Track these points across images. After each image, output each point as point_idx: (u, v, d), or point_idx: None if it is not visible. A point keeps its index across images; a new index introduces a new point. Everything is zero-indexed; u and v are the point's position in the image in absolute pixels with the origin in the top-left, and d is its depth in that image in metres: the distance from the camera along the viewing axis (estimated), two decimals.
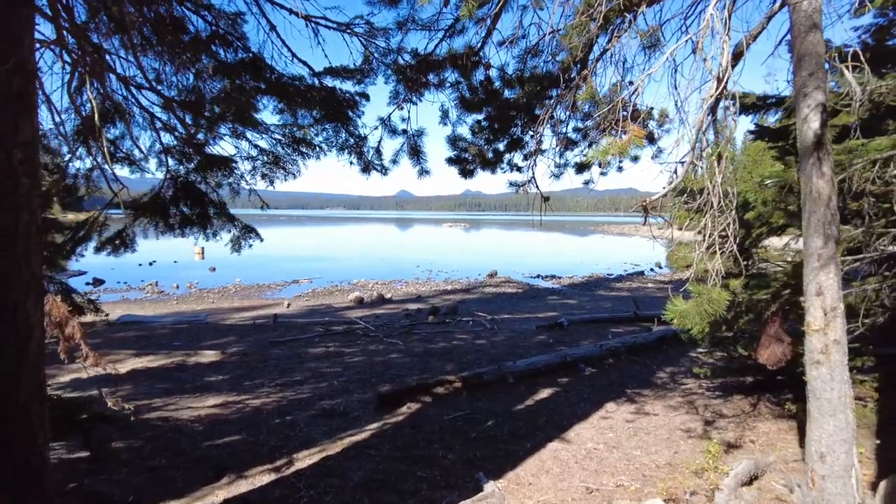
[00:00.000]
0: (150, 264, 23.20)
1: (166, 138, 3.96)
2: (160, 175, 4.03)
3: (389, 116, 4.24)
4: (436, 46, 3.68)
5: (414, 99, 4.04)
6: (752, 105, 4.59)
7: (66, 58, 2.71)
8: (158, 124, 3.85)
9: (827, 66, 2.64)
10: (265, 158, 3.98)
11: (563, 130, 4.21)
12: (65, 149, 3.23)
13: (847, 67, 2.61)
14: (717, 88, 2.45)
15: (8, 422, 1.87)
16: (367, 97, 4.16)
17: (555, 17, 3.04)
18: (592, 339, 8.33)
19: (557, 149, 4.30)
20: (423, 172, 4.41)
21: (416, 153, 4.31)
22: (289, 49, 3.68)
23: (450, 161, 4.58)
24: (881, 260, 4.17)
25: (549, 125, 4.02)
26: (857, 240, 4.11)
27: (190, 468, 3.89)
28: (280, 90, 4.10)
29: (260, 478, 3.74)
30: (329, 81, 3.84)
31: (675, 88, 2.83)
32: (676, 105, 2.83)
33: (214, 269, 21.73)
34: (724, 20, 2.28)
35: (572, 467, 3.89)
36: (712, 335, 4.89)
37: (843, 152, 3.66)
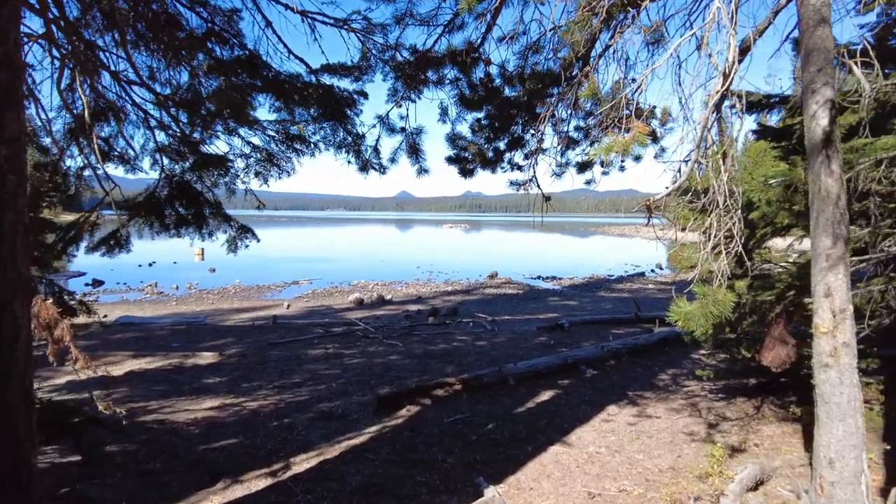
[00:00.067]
0: (150, 265, 23.14)
1: (161, 137, 3.90)
2: (154, 174, 3.97)
3: (388, 114, 4.18)
4: (435, 42, 3.63)
5: (413, 96, 3.98)
6: (756, 104, 4.53)
7: (56, 53, 2.65)
8: (153, 122, 3.79)
9: (835, 62, 2.58)
10: (259, 156, 3.92)
11: (565, 129, 4.15)
12: (54, 147, 3.17)
13: (856, 63, 2.54)
14: (723, 84, 2.38)
15: None
16: (365, 95, 4.10)
17: (556, 12, 2.99)
18: (593, 341, 8.26)
19: (559, 148, 4.24)
20: (422, 171, 4.34)
21: (414, 152, 4.24)
22: (285, 46, 3.63)
23: (449, 160, 4.51)
24: (887, 261, 4.11)
25: (550, 124, 3.96)
26: (863, 240, 4.05)
27: (185, 472, 3.83)
28: (277, 88, 4.04)
29: (256, 482, 3.68)
30: (326, 79, 3.78)
31: (680, 85, 2.77)
32: (681, 102, 2.78)
33: (214, 270, 21.67)
34: (731, 14, 2.22)
35: (574, 471, 3.82)
36: (715, 337, 4.83)
37: (849, 151, 3.60)
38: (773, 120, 5.19)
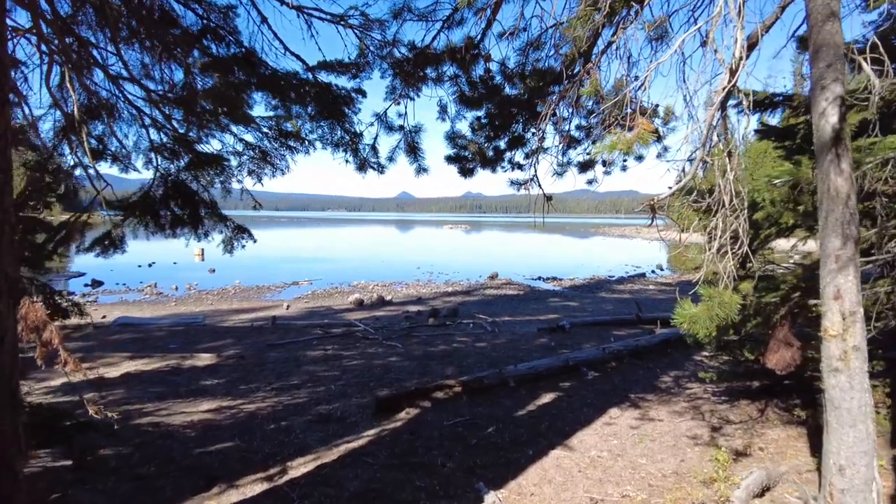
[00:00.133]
0: (150, 266, 23.09)
1: (155, 135, 3.83)
2: (148, 174, 3.90)
3: (385, 112, 4.11)
4: (433, 38, 3.56)
5: (411, 94, 3.91)
6: (760, 103, 4.46)
7: (45, 49, 2.58)
8: (147, 121, 3.73)
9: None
10: (252, 153, 3.84)
11: (566, 128, 4.08)
12: (45, 145, 3.10)
13: (865, 60, 2.48)
14: (729, 81, 2.32)
15: None
16: (363, 93, 4.03)
17: (557, 7, 2.92)
18: (594, 342, 8.19)
19: (560, 147, 4.17)
20: (421, 170, 4.27)
21: (413, 150, 4.17)
22: (281, 42, 3.56)
23: (449, 159, 4.44)
24: (893, 262, 4.04)
25: (551, 122, 3.89)
26: (869, 241, 3.98)
27: (180, 477, 3.76)
28: (274, 86, 3.98)
29: (252, 487, 3.61)
30: (323, 76, 3.71)
31: (684, 82, 2.70)
32: (685, 99, 2.71)
33: (214, 271, 21.60)
34: (739, 7, 2.15)
35: (576, 476, 3.75)
36: (718, 339, 4.76)
37: (854, 151, 3.53)
38: (773, 120, 5.13)
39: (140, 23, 3.64)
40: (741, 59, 2.27)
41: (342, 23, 3.46)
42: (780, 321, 4.15)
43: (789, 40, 3.08)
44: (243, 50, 3.95)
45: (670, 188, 2.93)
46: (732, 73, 2.34)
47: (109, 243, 4.17)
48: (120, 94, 3.50)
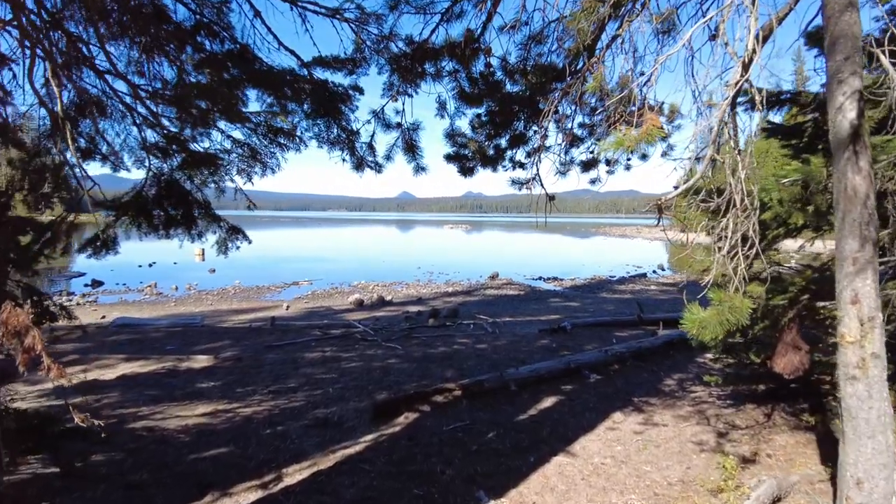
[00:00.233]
0: (150, 265, 23.03)
1: (148, 134, 3.73)
2: (140, 173, 3.80)
3: (383, 109, 3.99)
4: (432, 32, 3.44)
5: (409, 90, 3.80)
6: (771, 99, 4.35)
7: (28, 43, 2.48)
8: (138, 119, 3.63)
9: None
10: (241, 151, 3.74)
11: (569, 126, 3.97)
12: (31, 143, 3.00)
13: (884, 53, 2.36)
14: (742, 75, 2.21)
15: None
16: (361, 90, 3.92)
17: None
18: (596, 344, 8.08)
19: (563, 145, 4.06)
20: (420, 169, 4.16)
21: (411, 148, 4.06)
22: (275, 37, 3.46)
23: (448, 158, 4.33)
24: None
25: (553, 120, 3.78)
26: (882, 242, 3.87)
27: (172, 484, 3.66)
28: (270, 83, 3.88)
29: (246, 495, 3.51)
30: (319, 72, 3.60)
31: (693, 77, 2.59)
32: (694, 95, 2.60)
33: (214, 271, 21.51)
34: None
35: (579, 484, 3.64)
36: (724, 341, 4.66)
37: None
38: (776, 119, 5.02)
39: (131, 18, 3.54)
40: (754, 51, 2.16)
41: (337, 16, 3.36)
42: (788, 324, 4.05)
43: (801, 34, 2.97)
44: (237, 46, 3.85)
45: (676, 187, 2.82)
46: (745, 66, 2.23)
47: (101, 244, 4.07)
48: (111, 92, 3.39)
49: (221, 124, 3.66)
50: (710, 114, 2.52)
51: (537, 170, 4.06)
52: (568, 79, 3.39)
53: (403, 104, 3.94)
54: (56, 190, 3.15)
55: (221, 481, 3.68)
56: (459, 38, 3.33)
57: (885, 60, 2.40)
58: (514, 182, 4.30)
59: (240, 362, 7.34)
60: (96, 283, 18.04)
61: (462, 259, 28.69)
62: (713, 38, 2.61)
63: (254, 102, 3.76)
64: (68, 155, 2.97)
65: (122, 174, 4.20)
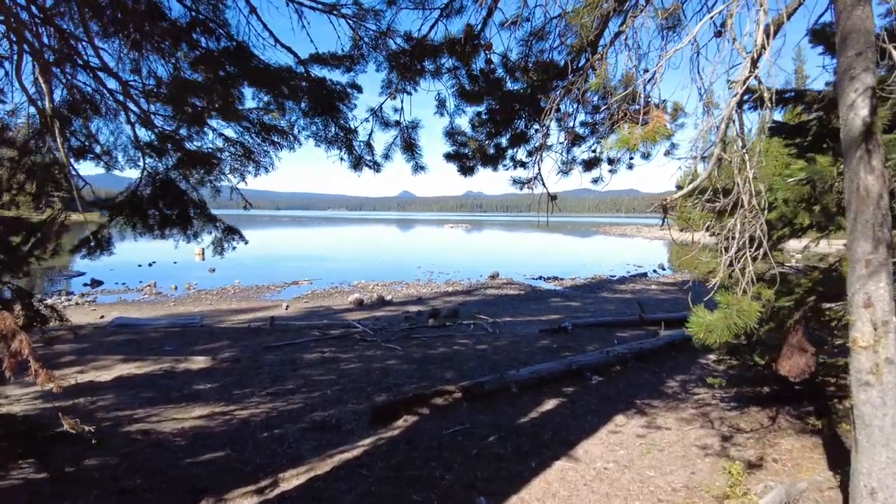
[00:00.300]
0: (150, 265, 22.97)
1: (141, 132, 3.66)
2: (133, 173, 3.73)
3: (381, 107, 3.92)
4: (431, 28, 3.36)
5: (408, 88, 3.72)
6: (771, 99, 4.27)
7: (17, 39, 2.41)
8: (133, 118, 3.55)
9: None
10: (234, 150, 3.66)
11: (571, 124, 3.90)
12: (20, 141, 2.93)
13: None
14: (750, 70, 2.14)
15: None
16: (359, 89, 3.85)
17: None
18: (597, 344, 8.01)
19: (564, 144, 3.98)
20: (419, 168, 4.08)
21: (410, 147, 3.99)
22: (271, 34, 3.38)
23: (448, 157, 4.25)
24: None
25: (555, 118, 3.71)
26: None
27: (166, 490, 3.59)
28: (267, 81, 3.81)
29: (241, 501, 3.44)
30: (316, 70, 3.53)
31: (699, 73, 2.52)
32: (699, 92, 2.53)
33: (214, 270, 21.45)
34: None
35: (581, 490, 3.57)
36: (728, 343, 4.59)
37: None
38: (776, 118, 4.96)
39: (125, 14, 3.47)
40: (763, 46, 2.09)
41: (334, 12, 3.28)
42: (794, 326, 3.97)
43: (808, 31, 2.90)
44: (234, 43, 3.78)
45: (679, 187, 2.75)
46: (754, 62, 2.15)
47: (95, 245, 4.00)
48: (104, 90, 3.32)
49: (214, 122, 3.58)
50: (716, 112, 2.45)
51: (539, 169, 3.99)
52: (570, 76, 3.32)
53: (402, 102, 3.87)
54: (44, 188, 3.07)
55: (217, 487, 3.61)
56: (459, 35, 3.26)
57: None
58: (515, 181, 4.23)
59: (238, 363, 7.27)
60: (96, 283, 17.98)
61: (462, 258, 28.62)
62: (719, 34, 2.54)
63: (250, 100, 3.68)
64: (59, 154, 2.90)
65: (117, 173, 4.15)
